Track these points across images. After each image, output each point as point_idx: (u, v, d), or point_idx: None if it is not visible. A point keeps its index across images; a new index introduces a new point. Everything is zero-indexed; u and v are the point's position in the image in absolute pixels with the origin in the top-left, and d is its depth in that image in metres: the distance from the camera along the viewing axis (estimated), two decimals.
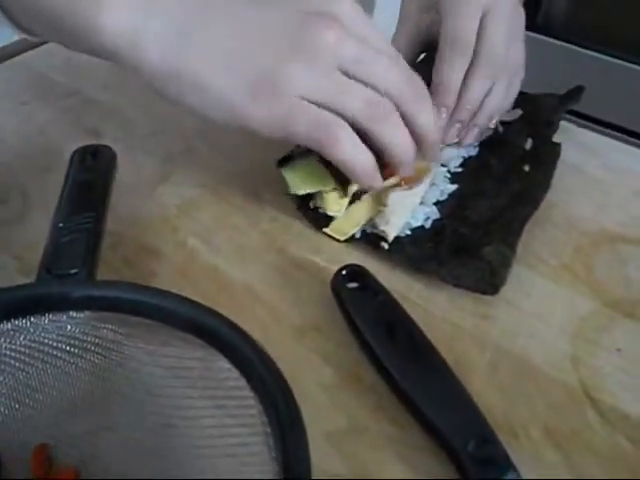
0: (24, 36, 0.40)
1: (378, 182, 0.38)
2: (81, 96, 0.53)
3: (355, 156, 0.36)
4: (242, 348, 0.26)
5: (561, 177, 0.45)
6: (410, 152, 0.38)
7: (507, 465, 0.27)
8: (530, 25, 0.48)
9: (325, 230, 0.41)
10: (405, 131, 0.37)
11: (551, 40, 1.44)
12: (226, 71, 0.35)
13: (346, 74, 0.36)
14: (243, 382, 0.26)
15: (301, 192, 0.40)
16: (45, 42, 0.58)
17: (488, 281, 0.37)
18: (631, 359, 0.34)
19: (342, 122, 0.35)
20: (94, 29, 0.34)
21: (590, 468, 0.30)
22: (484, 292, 0.37)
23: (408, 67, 0.38)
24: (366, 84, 0.36)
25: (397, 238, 0.40)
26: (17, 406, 0.28)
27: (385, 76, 0.36)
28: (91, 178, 0.38)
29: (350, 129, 0.35)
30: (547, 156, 0.46)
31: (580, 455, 0.30)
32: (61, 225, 0.34)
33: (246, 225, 0.42)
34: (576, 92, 0.51)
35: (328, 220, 0.41)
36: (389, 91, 0.36)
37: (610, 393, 0.33)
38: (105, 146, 0.40)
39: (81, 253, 0.32)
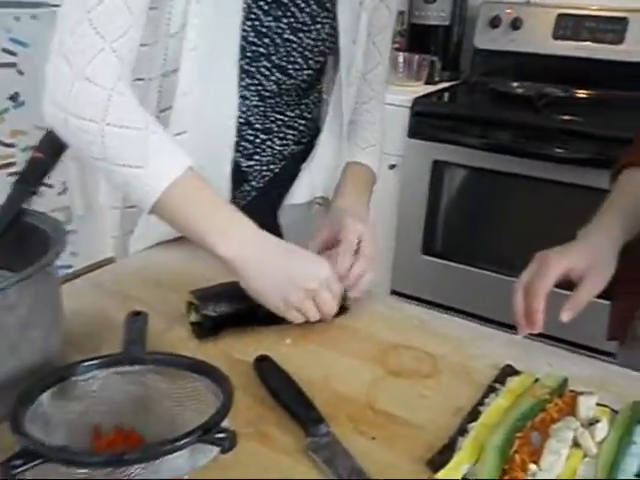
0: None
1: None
2: None
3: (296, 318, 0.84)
4: (216, 372, 0.65)
5: None
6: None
7: (321, 420, 0.65)
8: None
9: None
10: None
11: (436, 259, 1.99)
12: (267, 290, 0.83)
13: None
14: (210, 383, 0.64)
15: None
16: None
17: None
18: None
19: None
20: (213, 250, 0.82)
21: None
22: None
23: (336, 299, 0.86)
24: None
25: None
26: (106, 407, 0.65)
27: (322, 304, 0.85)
28: None
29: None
30: None
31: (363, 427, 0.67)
32: None
33: None
34: None
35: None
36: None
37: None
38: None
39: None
